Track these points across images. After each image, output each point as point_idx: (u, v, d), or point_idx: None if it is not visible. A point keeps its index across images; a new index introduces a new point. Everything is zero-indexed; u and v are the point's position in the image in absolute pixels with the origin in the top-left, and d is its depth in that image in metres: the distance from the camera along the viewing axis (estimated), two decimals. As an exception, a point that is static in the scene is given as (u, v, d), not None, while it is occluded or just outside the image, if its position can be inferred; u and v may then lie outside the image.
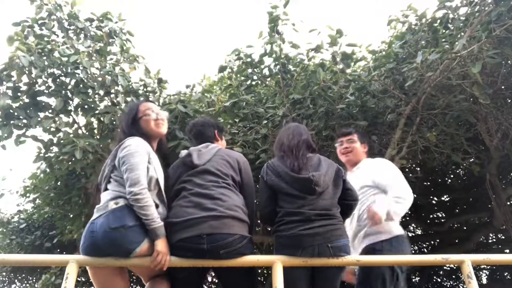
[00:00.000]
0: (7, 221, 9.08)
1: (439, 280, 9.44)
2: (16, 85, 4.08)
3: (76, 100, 4.43)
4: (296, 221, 2.13)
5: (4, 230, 8.91)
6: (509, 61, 4.46)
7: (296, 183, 2.23)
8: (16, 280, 10.08)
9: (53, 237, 8.26)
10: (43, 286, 7.60)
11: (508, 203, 6.44)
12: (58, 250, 8.49)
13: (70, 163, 4.52)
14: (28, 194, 8.36)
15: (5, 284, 10.02)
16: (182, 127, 5.07)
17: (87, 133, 4.75)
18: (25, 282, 10.09)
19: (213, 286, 8.71)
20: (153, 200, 2.00)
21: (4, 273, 9.89)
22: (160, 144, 2.34)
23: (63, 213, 7.63)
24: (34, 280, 9.92)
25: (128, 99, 4.54)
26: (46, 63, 4.09)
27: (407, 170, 6.00)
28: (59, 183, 7.13)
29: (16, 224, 8.96)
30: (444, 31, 4.50)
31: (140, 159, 2.02)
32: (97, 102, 4.52)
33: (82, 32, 4.62)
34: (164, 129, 2.29)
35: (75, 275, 1.95)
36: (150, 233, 1.94)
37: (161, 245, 1.94)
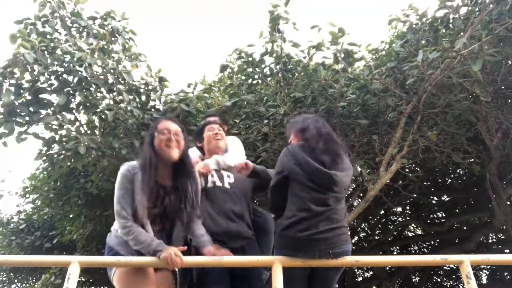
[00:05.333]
0: (6, 222, 9.06)
1: (439, 280, 9.44)
2: (19, 82, 4.09)
3: (79, 98, 4.44)
4: (305, 219, 2.07)
5: (4, 231, 8.88)
6: (509, 61, 4.49)
7: (315, 175, 2.14)
8: (16, 280, 10.04)
9: (53, 238, 8.24)
10: (42, 286, 7.58)
11: (508, 203, 6.46)
12: (58, 250, 8.47)
13: (72, 161, 4.52)
14: (27, 195, 8.36)
15: (5, 284, 9.98)
16: (184, 125, 5.08)
17: (88, 131, 4.76)
18: (25, 282, 10.05)
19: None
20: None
21: (4, 273, 9.86)
22: (180, 166, 2.22)
23: (62, 213, 7.62)
24: (34, 280, 9.89)
25: (130, 97, 4.55)
26: (48, 60, 4.10)
27: (407, 169, 6.02)
28: (58, 184, 7.14)
29: (16, 225, 8.94)
30: (444, 30, 4.53)
31: (120, 193, 2.07)
32: (99, 100, 4.52)
33: (85, 30, 4.63)
34: (174, 152, 2.16)
35: (77, 275, 1.95)
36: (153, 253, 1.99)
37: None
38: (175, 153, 2.15)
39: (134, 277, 2.04)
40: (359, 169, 4.77)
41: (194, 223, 2.27)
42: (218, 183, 2.57)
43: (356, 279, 9.16)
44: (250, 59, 5.06)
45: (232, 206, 2.50)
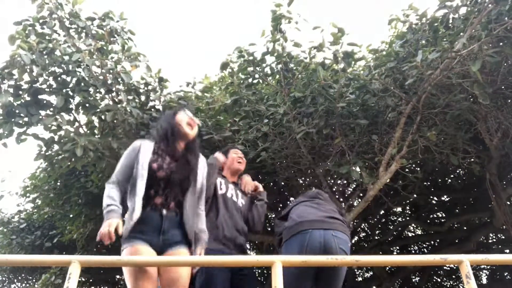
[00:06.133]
0: (7, 221, 9.07)
1: (439, 280, 9.44)
2: (18, 83, 4.09)
3: (77, 98, 4.44)
4: None
5: (4, 230, 8.89)
6: (509, 61, 4.47)
7: None
8: (16, 280, 10.06)
9: (53, 237, 8.26)
10: (43, 286, 7.59)
11: (508, 203, 6.44)
12: (58, 250, 8.48)
13: (70, 161, 4.52)
14: (28, 194, 8.37)
15: (4, 284, 10.00)
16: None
17: (88, 131, 4.76)
18: (25, 282, 10.07)
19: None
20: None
21: (4, 273, 9.87)
22: (192, 145, 2.47)
23: (63, 213, 7.64)
24: (34, 280, 9.91)
25: (130, 97, 4.55)
26: (47, 61, 4.10)
27: (407, 169, 6.01)
28: (58, 183, 7.15)
29: (16, 224, 8.95)
30: (444, 30, 4.52)
31: (120, 162, 2.33)
32: (98, 101, 4.52)
33: (84, 31, 4.63)
34: (193, 130, 2.47)
35: (78, 275, 1.94)
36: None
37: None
38: (193, 132, 2.43)
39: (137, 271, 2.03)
40: (358, 169, 4.76)
41: (199, 216, 2.36)
42: (234, 198, 2.92)
43: (356, 279, 9.16)
44: (251, 58, 5.06)
45: (240, 222, 2.85)
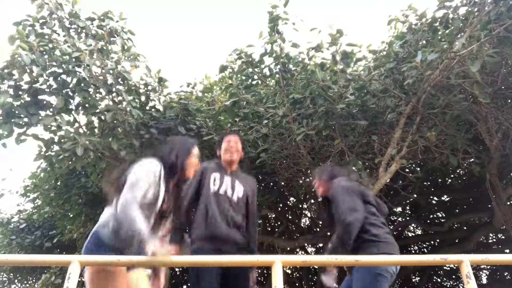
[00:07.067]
0: (7, 221, 9.08)
1: (439, 280, 9.44)
2: (17, 83, 4.09)
3: (77, 99, 4.44)
4: None
5: (4, 230, 8.90)
6: (509, 61, 4.47)
7: None
8: (16, 280, 10.07)
9: (53, 237, 8.26)
10: (43, 286, 7.60)
11: (508, 203, 6.44)
12: (58, 250, 8.49)
13: (70, 162, 4.53)
14: (28, 194, 8.37)
15: (5, 284, 10.01)
16: (183, 124, 5.09)
17: (87, 132, 4.76)
18: (25, 282, 10.08)
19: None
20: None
21: (4, 273, 9.88)
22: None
23: (63, 212, 7.64)
24: (34, 280, 9.92)
25: (130, 97, 4.55)
26: (47, 61, 4.10)
27: (407, 170, 6.01)
28: (59, 183, 7.15)
29: (16, 224, 8.95)
30: (443, 30, 4.51)
31: (144, 183, 2.23)
32: (98, 101, 4.52)
33: (83, 31, 4.63)
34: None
35: (78, 275, 1.94)
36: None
37: None
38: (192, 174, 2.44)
39: (105, 276, 2.01)
40: (358, 170, 4.76)
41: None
42: (229, 193, 2.83)
43: (356, 279, 9.14)
44: (249, 59, 5.05)
45: (235, 216, 2.76)
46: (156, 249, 1.82)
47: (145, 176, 2.12)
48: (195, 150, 2.44)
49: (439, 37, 4.36)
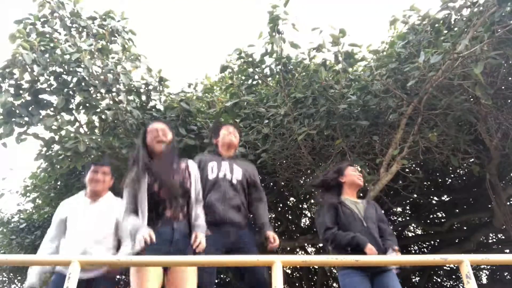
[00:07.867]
0: (7, 221, 9.05)
1: (439, 280, 9.45)
2: (18, 82, 4.07)
3: (78, 98, 4.43)
4: None
5: (4, 230, 8.88)
6: (509, 61, 4.47)
7: None
8: (16, 280, 10.04)
9: (53, 237, 8.23)
10: (43, 286, 7.57)
11: (508, 203, 6.45)
12: (58, 249, 8.46)
13: (71, 161, 4.51)
14: (28, 194, 8.35)
15: (5, 284, 9.98)
16: (184, 125, 5.08)
17: (88, 131, 4.75)
18: (25, 282, 10.04)
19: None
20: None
21: (4, 273, 9.85)
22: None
23: (63, 212, 7.60)
24: (33, 280, 9.88)
25: (130, 97, 4.54)
26: (48, 61, 4.09)
27: (407, 170, 6.01)
28: (59, 183, 7.13)
29: (16, 224, 8.93)
30: (446, 31, 4.50)
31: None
32: (99, 100, 4.51)
33: (85, 30, 4.61)
34: (162, 146, 2.52)
35: (78, 275, 1.93)
36: None
37: None
38: (162, 147, 2.47)
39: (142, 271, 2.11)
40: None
41: (194, 207, 2.43)
42: (228, 176, 2.86)
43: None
44: (250, 59, 5.04)
45: (236, 198, 2.81)
46: (141, 236, 2.01)
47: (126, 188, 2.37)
48: (149, 128, 2.55)
49: (442, 38, 4.35)
